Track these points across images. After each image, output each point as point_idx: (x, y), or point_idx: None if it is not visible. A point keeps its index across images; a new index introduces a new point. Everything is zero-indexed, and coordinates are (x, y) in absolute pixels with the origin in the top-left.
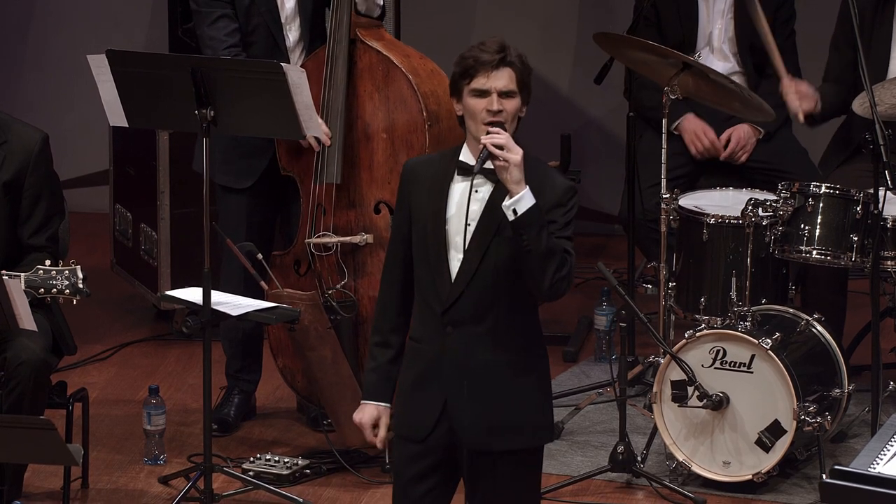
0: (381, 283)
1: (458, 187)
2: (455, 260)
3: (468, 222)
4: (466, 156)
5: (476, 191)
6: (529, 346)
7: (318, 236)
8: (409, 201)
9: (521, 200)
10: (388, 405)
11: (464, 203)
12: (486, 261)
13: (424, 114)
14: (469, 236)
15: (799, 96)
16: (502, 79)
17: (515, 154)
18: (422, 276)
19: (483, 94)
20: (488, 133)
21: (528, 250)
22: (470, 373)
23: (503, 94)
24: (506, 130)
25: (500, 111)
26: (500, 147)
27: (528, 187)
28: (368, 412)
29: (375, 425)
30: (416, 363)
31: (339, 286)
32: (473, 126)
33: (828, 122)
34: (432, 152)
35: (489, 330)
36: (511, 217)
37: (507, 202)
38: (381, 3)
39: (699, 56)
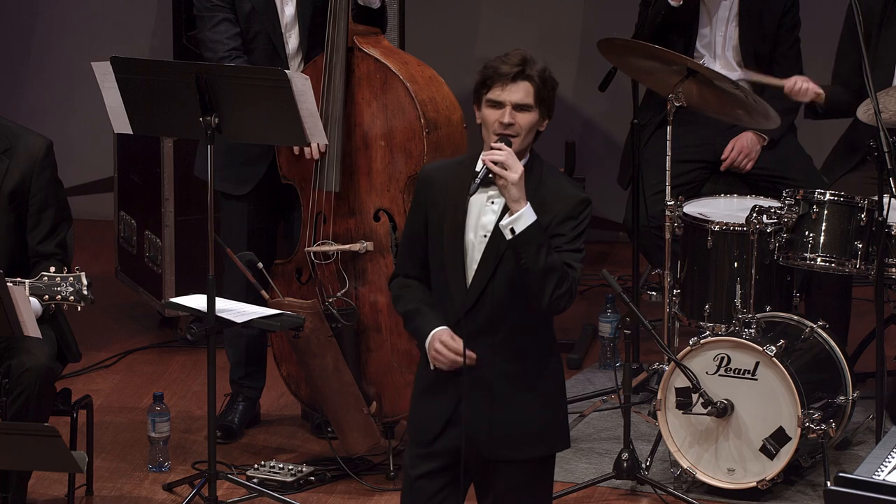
0: (394, 272)
1: (476, 198)
2: (471, 270)
3: (484, 234)
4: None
5: (492, 202)
6: (543, 355)
7: (318, 244)
8: (426, 208)
9: (519, 219)
10: (446, 327)
11: (480, 214)
12: (500, 271)
13: (422, 121)
14: (484, 247)
15: (805, 81)
16: (518, 92)
17: (514, 172)
18: (438, 285)
19: (498, 105)
20: (490, 149)
21: (525, 268)
22: (483, 381)
23: (517, 108)
24: (510, 145)
25: (511, 124)
26: (500, 164)
27: (528, 205)
28: (444, 335)
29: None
30: (430, 368)
31: (339, 294)
32: (487, 136)
33: (830, 119)
34: (431, 160)
35: (503, 339)
36: (508, 236)
37: (504, 221)
38: None
39: (703, 62)
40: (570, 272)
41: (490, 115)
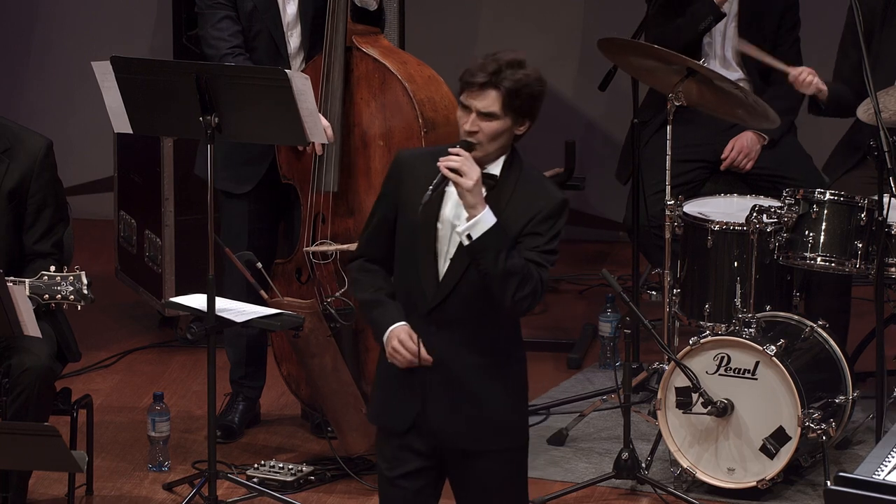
0: (356, 254)
1: (453, 190)
2: (444, 262)
3: (459, 226)
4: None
5: None
6: (510, 349)
7: (317, 244)
8: (398, 194)
9: (476, 225)
10: (405, 322)
11: (456, 206)
12: (473, 265)
13: (420, 121)
14: (459, 240)
15: (808, 72)
16: (484, 100)
17: (468, 179)
18: (407, 274)
19: (466, 109)
20: (448, 153)
21: (484, 273)
22: (451, 374)
23: (481, 115)
24: (471, 149)
25: (474, 132)
26: (455, 171)
27: (486, 209)
28: (402, 333)
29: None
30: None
31: (338, 294)
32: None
33: (833, 117)
34: None
35: (472, 332)
36: (465, 242)
37: (460, 227)
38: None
39: (703, 62)
40: (535, 273)
41: (460, 118)
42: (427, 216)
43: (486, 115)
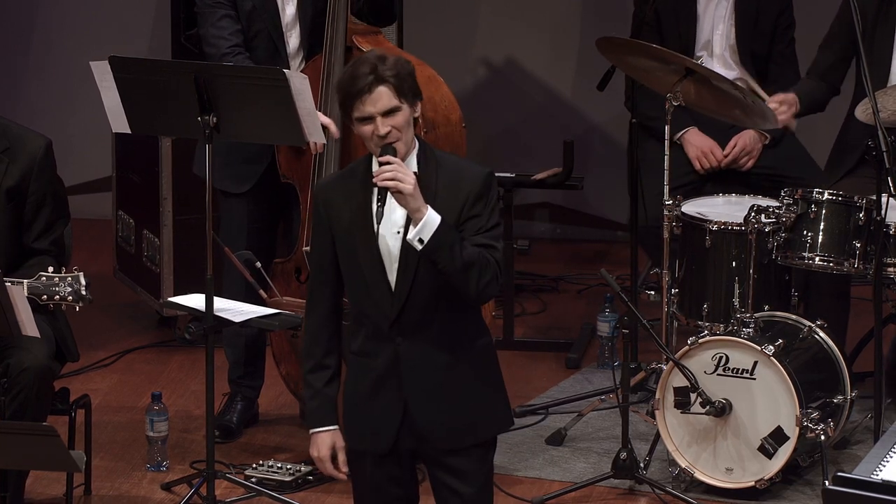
0: (307, 311)
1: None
2: (392, 272)
3: (397, 230)
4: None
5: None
6: (477, 336)
7: None
8: (329, 225)
9: (425, 227)
10: (336, 427)
11: (389, 213)
12: (421, 266)
13: (420, 121)
14: (401, 246)
15: (787, 105)
16: (380, 100)
17: (407, 184)
18: (359, 293)
19: (368, 120)
20: (379, 167)
21: (443, 272)
22: (428, 376)
23: (386, 114)
24: (395, 153)
25: (387, 133)
26: (391, 180)
27: (429, 209)
28: (323, 442)
29: (333, 452)
30: (364, 377)
31: None
32: (372, 148)
33: (804, 116)
34: None
35: (438, 331)
36: (419, 247)
37: (410, 234)
38: None
39: (701, 61)
40: (490, 256)
41: (365, 130)
42: (365, 232)
43: (390, 112)
